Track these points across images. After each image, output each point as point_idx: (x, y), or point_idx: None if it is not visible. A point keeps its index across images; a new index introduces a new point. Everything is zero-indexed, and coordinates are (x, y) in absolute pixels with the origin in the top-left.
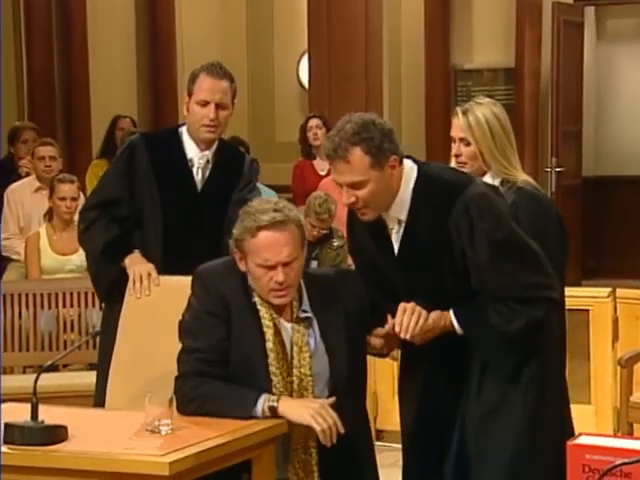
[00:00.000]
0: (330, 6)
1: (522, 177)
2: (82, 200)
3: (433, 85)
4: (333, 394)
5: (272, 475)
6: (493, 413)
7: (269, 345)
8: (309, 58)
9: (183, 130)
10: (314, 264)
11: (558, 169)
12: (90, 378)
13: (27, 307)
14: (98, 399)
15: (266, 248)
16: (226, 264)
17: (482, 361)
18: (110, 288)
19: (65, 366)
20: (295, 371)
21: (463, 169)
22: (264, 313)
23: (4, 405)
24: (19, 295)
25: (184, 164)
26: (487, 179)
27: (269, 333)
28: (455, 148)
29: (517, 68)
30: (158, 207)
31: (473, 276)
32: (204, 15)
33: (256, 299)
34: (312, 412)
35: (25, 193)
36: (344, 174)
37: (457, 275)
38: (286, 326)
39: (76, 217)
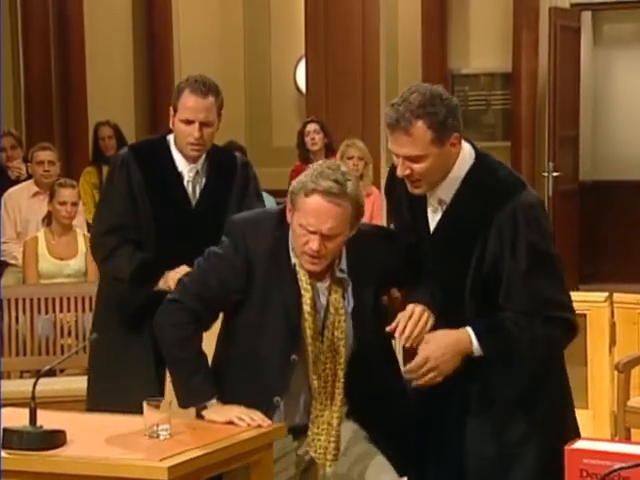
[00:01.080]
0: (327, 10)
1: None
2: (82, 206)
3: None
4: (357, 358)
5: (271, 478)
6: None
7: (307, 309)
8: (306, 63)
9: (170, 140)
10: None
11: (555, 174)
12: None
13: (24, 312)
14: (92, 403)
15: (312, 213)
16: (263, 217)
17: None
18: (138, 312)
19: (62, 371)
20: (327, 332)
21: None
22: (302, 275)
23: (3, 410)
24: (16, 300)
25: (176, 179)
26: None
27: (307, 297)
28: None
29: (514, 73)
30: (151, 224)
31: (504, 285)
32: (201, 19)
33: (295, 260)
34: (237, 413)
35: (22, 198)
36: (403, 146)
37: (478, 276)
38: (321, 286)
39: (75, 222)
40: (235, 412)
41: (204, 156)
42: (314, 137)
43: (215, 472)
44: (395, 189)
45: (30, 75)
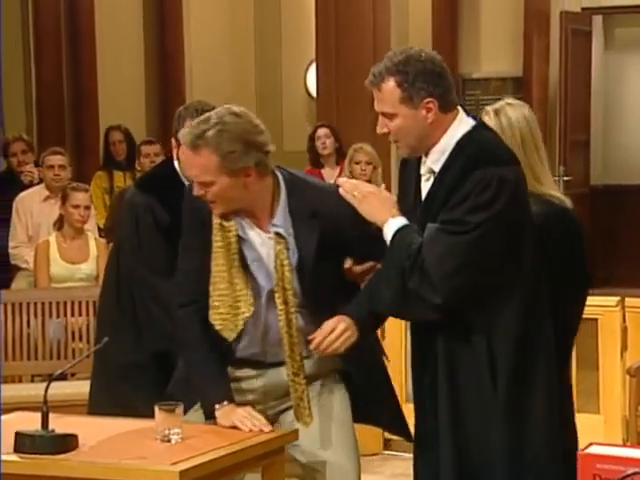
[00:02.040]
0: (338, 16)
1: (549, 192)
2: (93, 210)
3: None
4: (307, 308)
5: None
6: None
7: (214, 266)
8: (317, 67)
9: (177, 165)
10: None
11: (566, 178)
12: None
13: (35, 316)
14: (95, 406)
15: (185, 161)
16: None
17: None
18: None
19: (73, 375)
20: (277, 282)
21: None
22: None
23: (15, 414)
24: (27, 304)
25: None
26: None
27: (215, 243)
28: None
29: (525, 77)
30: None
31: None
32: (212, 24)
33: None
34: (240, 417)
35: (34, 202)
36: (378, 102)
37: None
38: (263, 237)
39: (87, 226)
40: (239, 416)
41: None
42: (325, 141)
43: (226, 476)
44: (404, 174)
45: (42, 80)
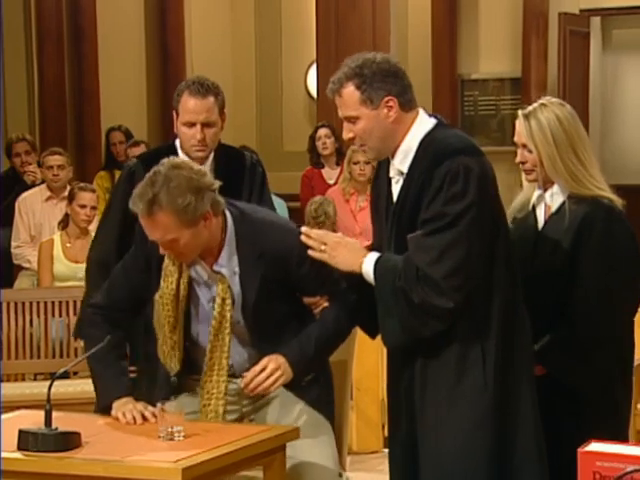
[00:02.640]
0: (338, 17)
1: (597, 193)
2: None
3: (440, 95)
4: (252, 344)
5: None
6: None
7: (158, 299)
8: (317, 68)
9: (178, 145)
10: None
11: None
12: None
13: (38, 315)
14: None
15: (145, 227)
16: None
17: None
18: None
19: (75, 373)
20: (214, 321)
21: (529, 177)
22: (170, 264)
23: (18, 412)
24: (30, 303)
25: None
26: (554, 191)
27: (164, 287)
28: (519, 154)
29: (524, 78)
30: None
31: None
32: (213, 25)
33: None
34: (123, 409)
35: (36, 202)
36: (340, 108)
37: None
38: (204, 276)
39: (91, 227)
40: (125, 408)
41: (212, 157)
42: (325, 142)
43: (228, 474)
44: (377, 178)
45: (44, 81)
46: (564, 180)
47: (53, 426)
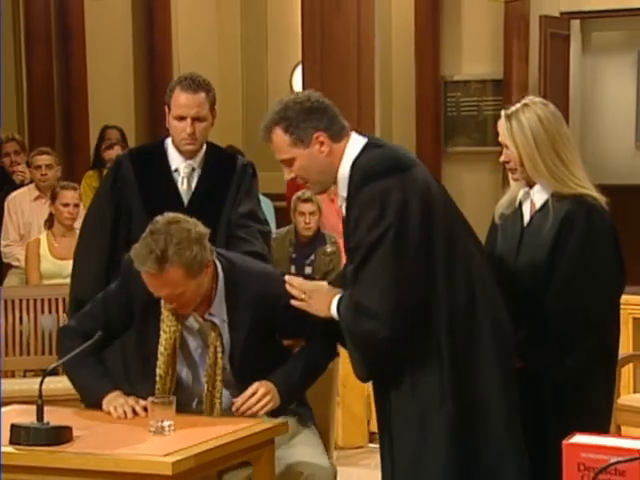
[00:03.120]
0: (323, 19)
1: (579, 191)
2: (82, 209)
3: (423, 96)
4: (237, 385)
5: (272, 475)
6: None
7: (160, 349)
8: (303, 70)
9: (169, 141)
10: (308, 270)
11: None
12: None
13: (28, 312)
14: None
15: (149, 285)
16: None
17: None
18: None
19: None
20: (209, 369)
21: (513, 176)
22: (169, 315)
23: (10, 407)
24: (20, 300)
25: (168, 176)
26: (539, 188)
27: (164, 337)
28: (503, 154)
29: (505, 79)
30: (145, 223)
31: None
32: (200, 27)
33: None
34: (114, 403)
35: (25, 201)
36: (275, 152)
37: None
38: (195, 324)
39: (77, 224)
40: (116, 402)
41: (202, 154)
42: None
43: (218, 467)
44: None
45: (32, 81)
46: (545, 180)
47: (45, 421)
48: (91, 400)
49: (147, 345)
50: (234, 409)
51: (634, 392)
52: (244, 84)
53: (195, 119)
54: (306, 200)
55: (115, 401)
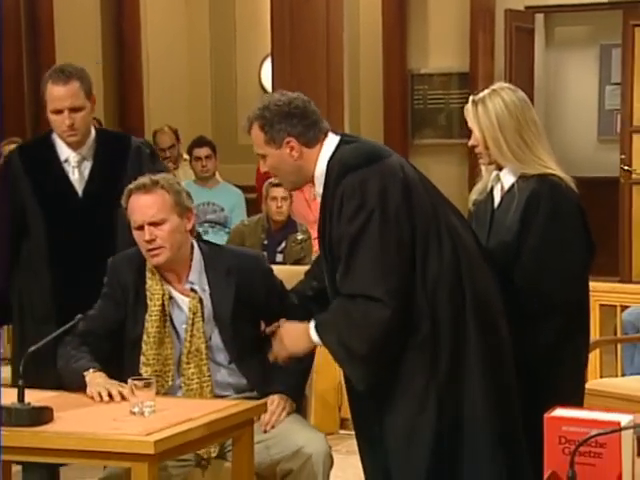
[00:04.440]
0: (292, 12)
1: (543, 171)
2: None
3: (390, 89)
4: (232, 362)
5: (251, 454)
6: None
7: (148, 317)
8: (272, 63)
9: (55, 134)
10: (279, 257)
11: None
12: None
13: None
14: None
15: (134, 210)
16: (132, 252)
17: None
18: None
19: None
20: (188, 335)
21: (481, 161)
22: (153, 284)
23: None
24: None
25: (59, 168)
26: (505, 173)
27: (152, 305)
28: (472, 138)
29: (471, 72)
30: (40, 216)
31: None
32: (169, 19)
33: (147, 270)
34: (97, 387)
35: None
36: (254, 146)
37: (333, 258)
38: (179, 296)
39: None
40: (99, 387)
41: (92, 140)
42: None
43: (199, 447)
44: None
45: (4, 75)
46: (510, 162)
47: (25, 402)
48: (74, 379)
49: (138, 325)
50: (263, 426)
51: (601, 377)
52: (213, 77)
53: (71, 110)
54: (277, 185)
55: (94, 382)
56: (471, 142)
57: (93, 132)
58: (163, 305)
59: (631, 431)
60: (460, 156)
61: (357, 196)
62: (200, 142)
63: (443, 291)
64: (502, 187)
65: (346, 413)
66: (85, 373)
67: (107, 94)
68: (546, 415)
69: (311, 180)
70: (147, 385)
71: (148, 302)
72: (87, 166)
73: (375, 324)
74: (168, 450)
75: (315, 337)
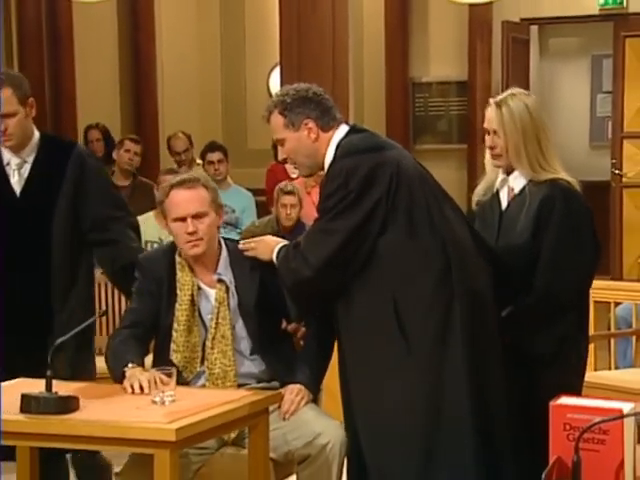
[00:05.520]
0: (300, 23)
1: (553, 176)
2: None
3: (393, 97)
4: (254, 352)
5: (266, 440)
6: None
7: (178, 307)
8: (281, 71)
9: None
10: None
11: None
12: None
13: None
14: None
15: (177, 203)
16: (162, 248)
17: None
18: None
19: None
20: (214, 322)
21: (497, 162)
22: (183, 275)
23: (16, 380)
24: None
25: (0, 170)
26: (517, 174)
27: (181, 295)
28: (489, 140)
29: (469, 81)
30: None
31: None
32: (182, 30)
33: (177, 263)
34: (130, 380)
35: None
36: (272, 133)
37: None
38: (207, 288)
39: None
40: (132, 378)
41: (34, 145)
42: None
43: (217, 434)
44: None
45: None
46: (523, 167)
47: (53, 391)
48: (117, 374)
49: (169, 314)
50: (282, 414)
51: (595, 370)
52: (223, 85)
53: (4, 116)
54: (288, 192)
55: (131, 375)
56: (489, 143)
57: (37, 136)
58: (192, 295)
59: (633, 418)
60: (459, 161)
61: (342, 177)
62: (212, 147)
63: (430, 283)
64: (510, 190)
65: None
66: (125, 369)
67: (123, 102)
68: (551, 403)
69: (323, 166)
70: (168, 375)
71: (178, 292)
72: (27, 169)
73: (294, 277)
74: (188, 437)
75: (274, 258)
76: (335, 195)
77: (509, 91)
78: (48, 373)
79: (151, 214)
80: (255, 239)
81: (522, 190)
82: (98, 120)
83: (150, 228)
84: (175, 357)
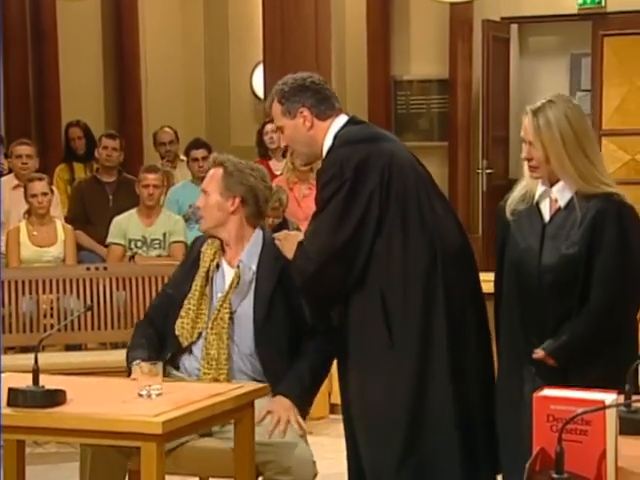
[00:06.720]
0: (283, 23)
1: (605, 190)
2: (56, 196)
3: (375, 94)
4: (256, 337)
5: (252, 433)
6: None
7: (196, 276)
8: (264, 70)
9: None
10: None
11: (488, 171)
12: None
13: (9, 293)
14: None
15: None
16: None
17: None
18: None
19: (43, 347)
20: (217, 305)
21: (535, 174)
22: (208, 248)
23: (4, 375)
24: (1, 282)
25: None
26: (561, 187)
27: (201, 265)
28: (525, 151)
29: (451, 79)
30: None
31: None
32: (165, 28)
33: (208, 239)
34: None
35: (5, 190)
36: (274, 121)
37: None
38: (227, 268)
39: (55, 213)
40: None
41: None
42: (272, 136)
43: (203, 427)
44: None
45: (9, 80)
46: (572, 179)
47: (40, 385)
48: (127, 369)
49: (188, 283)
50: (268, 433)
51: None
52: (207, 83)
53: None
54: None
55: (135, 373)
56: (525, 155)
57: None
58: (208, 269)
59: (615, 409)
60: (440, 158)
61: (337, 166)
62: (197, 144)
63: (416, 277)
64: (552, 202)
65: (336, 399)
66: (132, 364)
67: (107, 100)
68: (535, 395)
69: (321, 156)
70: (154, 369)
71: (200, 263)
72: None
73: (301, 275)
74: (175, 430)
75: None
76: (330, 184)
77: (548, 97)
78: (34, 367)
79: (134, 211)
80: (279, 234)
81: (569, 203)
82: (82, 118)
83: (133, 226)
84: (180, 322)
